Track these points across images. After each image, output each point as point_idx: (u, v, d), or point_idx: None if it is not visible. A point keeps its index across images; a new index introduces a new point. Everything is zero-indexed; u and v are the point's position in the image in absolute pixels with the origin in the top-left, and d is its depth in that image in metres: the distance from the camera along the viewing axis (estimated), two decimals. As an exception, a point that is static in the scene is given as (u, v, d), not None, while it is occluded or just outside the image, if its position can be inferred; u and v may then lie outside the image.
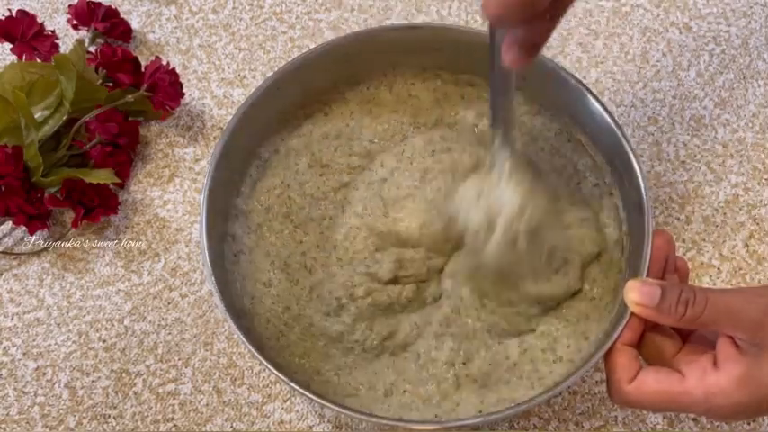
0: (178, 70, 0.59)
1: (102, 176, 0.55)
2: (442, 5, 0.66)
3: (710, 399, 0.37)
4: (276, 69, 0.50)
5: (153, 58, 0.59)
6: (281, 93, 0.50)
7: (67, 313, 0.54)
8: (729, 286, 0.54)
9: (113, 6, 0.65)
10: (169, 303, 0.54)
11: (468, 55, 0.51)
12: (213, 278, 0.44)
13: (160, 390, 0.51)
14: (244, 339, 0.42)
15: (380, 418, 0.41)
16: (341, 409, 0.41)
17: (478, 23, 0.66)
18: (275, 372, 0.41)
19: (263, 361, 0.41)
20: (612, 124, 0.47)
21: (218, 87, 0.63)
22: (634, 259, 0.45)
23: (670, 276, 0.43)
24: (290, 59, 0.51)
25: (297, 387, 0.41)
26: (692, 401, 0.38)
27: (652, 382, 0.39)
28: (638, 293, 0.39)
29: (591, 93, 0.48)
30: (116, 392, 0.51)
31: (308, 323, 0.48)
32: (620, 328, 0.40)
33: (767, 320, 0.37)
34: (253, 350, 0.41)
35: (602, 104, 0.48)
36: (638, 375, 0.39)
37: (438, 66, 0.53)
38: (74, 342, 0.53)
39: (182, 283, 0.55)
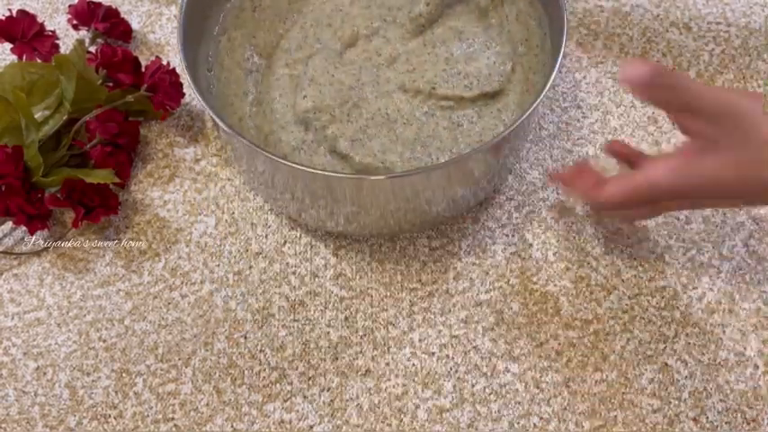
0: (178, 70, 0.59)
1: (103, 176, 0.55)
2: None
3: (652, 178, 0.43)
4: None
5: (153, 58, 0.59)
6: None
7: (68, 313, 0.54)
8: (729, 287, 0.54)
9: (113, 6, 0.65)
10: (169, 303, 0.54)
11: None
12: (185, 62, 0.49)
13: (160, 390, 0.51)
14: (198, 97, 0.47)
15: (327, 172, 0.47)
16: (277, 159, 0.45)
17: None
18: (226, 128, 0.46)
19: (215, 117, 0.46)
20: None
21: (219, 87, 0.63)
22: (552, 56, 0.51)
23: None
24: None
25: (250, 143, 0.45)
26: (644, 180, 0.43)
27: (615, 180, 0.45)
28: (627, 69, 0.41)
29: None
30: (116, 392, 0.51)
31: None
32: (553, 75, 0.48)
33: (748, 118, 0.39)
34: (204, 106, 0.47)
35: None
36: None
37: None
38: (74, 342, 0.53)
39: (182, 283, 0.55)
